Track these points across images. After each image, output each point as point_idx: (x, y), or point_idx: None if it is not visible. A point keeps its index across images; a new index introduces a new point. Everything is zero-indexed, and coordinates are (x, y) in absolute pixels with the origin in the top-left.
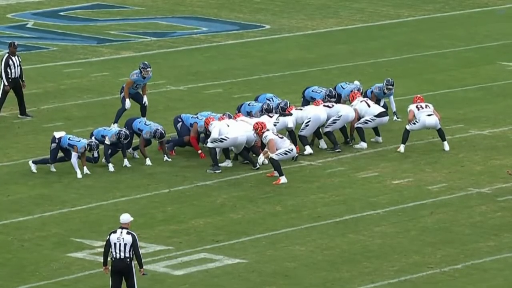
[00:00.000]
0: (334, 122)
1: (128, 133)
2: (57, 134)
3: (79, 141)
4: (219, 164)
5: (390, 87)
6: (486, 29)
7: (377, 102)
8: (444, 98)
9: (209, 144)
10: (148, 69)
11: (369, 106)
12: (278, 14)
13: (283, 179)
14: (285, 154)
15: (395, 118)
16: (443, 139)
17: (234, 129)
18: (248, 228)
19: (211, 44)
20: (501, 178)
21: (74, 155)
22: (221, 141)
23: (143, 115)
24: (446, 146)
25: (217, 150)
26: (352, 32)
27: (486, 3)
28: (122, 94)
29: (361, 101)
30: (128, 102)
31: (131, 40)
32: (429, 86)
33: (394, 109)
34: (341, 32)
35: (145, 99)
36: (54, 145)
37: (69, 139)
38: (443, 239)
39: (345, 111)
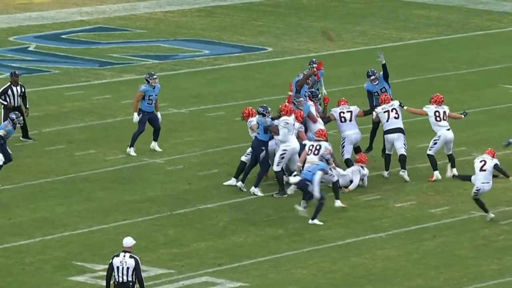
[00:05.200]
0: (343, 146)
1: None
2: None
3: None
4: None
5: None
6: (488, 52)
7: None
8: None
9: (276, 168)
10: (154, 77)
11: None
12: (280, 36)
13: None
14: (282, 157)
15: None
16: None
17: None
18: (250, 251)
19: (213, 67)
20: (504, 201)
21: (319, 174)
22: (283, 157)
23: (155, 139)
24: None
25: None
26: (354, 55)
27: (488, 25)
28: (137, 118)
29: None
30: (136, 116)
31: (133, 63)
32: None
33: None
34: (343, 55)
35: (158, 115)
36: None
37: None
38: (446, 263)
39: (347, 133)
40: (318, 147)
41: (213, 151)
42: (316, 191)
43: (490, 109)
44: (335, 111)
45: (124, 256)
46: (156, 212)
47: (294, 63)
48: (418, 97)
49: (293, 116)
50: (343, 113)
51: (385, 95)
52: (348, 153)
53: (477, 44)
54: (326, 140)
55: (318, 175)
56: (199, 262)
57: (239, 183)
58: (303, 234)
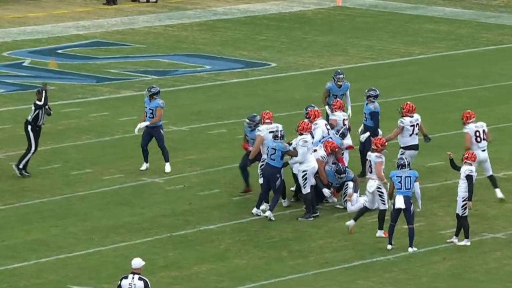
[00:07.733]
0: (343, 154)
1: None
2: None
3: None
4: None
5: None
6: (500, 68)
7: None
8: (457, 139)
9: (305, 191)
10: (148, 89)
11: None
12: (284, 51)
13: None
14: (305, 179)
15: None
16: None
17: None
18: (253, 274)
19: (215, 83)
20: None
21: (418, 186)
22: (306, 178)
23: (166, 160)
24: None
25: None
26: (361, 70)
27: (500, 40)
28: (136, 129)
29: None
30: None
31: (132, 79)
32: (442, 126)
33: None
34: (349, 70)
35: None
36: None
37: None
38: (456, 286)
39: (347, 141)
40: (369, 164)
41: (214, 170)
42: (419, 205)
43: (502, 126)
44: (338, 116)
45: (133, 278)
46: (155, 234)
47: (298, 78)
48: (427, 114)
49: (309, 135)
50: (346, 120)
51: (409, 105)
52: (346, 160)
53: (488, 59)
54: (381, 150)
55: (418, 187)
56: (199, 285)
57: (268, 213)
58: (308, 257)
